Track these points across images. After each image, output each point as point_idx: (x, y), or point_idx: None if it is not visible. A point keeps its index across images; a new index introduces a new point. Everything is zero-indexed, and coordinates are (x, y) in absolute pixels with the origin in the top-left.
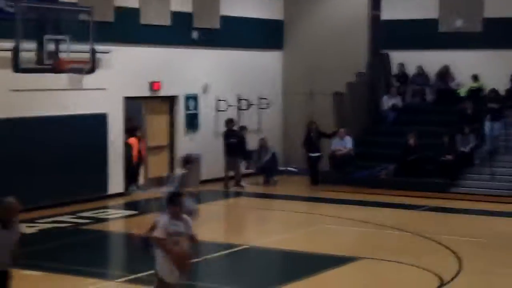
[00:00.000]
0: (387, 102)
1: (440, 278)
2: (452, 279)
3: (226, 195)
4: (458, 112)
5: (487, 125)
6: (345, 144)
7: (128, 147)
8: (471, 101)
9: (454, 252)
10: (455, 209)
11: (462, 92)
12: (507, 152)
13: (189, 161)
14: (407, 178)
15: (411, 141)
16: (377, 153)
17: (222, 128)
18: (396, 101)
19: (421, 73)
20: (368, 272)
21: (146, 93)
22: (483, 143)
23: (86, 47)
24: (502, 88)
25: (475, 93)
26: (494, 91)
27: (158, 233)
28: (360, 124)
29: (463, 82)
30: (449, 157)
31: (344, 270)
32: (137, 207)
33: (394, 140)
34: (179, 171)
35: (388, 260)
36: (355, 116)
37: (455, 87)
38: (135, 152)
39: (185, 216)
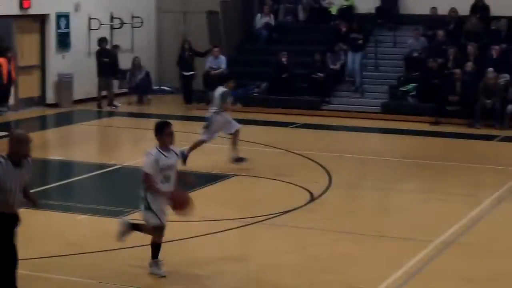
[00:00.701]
0: (260, 20)
1: (311, 193)
2: (322, 193)
3: (99, 115)
4: (330, 30)
5: (349, 55)
6: (219, 62)
7: None
8: (343, 19)
9: (324, 168)
10: (326, 125)
11: (334, 10)
12: (376, 70)
13: (228, 79)
14: (280, 96)
15: (283, 59)
16: (250, 72)
17: (95, 47)
18: (269, 19)
19: None
20: (242, 188)
21: (16, 11)
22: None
23: None
24: (372, 6)
25: (346, 11)
26: (355, 21)
27: (147, 170)
28: (233, 42)
29: (334, 0)
30: (320, 74)
31: (218, 187)
32: (7, 128)
33: (267, 59)
34: (220, 89)
35: (260, 177)
36: (229, 34)
37: (327, 5)
38: (5, 73)
39: (173, 146)
